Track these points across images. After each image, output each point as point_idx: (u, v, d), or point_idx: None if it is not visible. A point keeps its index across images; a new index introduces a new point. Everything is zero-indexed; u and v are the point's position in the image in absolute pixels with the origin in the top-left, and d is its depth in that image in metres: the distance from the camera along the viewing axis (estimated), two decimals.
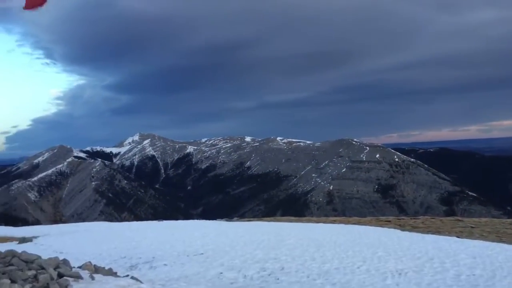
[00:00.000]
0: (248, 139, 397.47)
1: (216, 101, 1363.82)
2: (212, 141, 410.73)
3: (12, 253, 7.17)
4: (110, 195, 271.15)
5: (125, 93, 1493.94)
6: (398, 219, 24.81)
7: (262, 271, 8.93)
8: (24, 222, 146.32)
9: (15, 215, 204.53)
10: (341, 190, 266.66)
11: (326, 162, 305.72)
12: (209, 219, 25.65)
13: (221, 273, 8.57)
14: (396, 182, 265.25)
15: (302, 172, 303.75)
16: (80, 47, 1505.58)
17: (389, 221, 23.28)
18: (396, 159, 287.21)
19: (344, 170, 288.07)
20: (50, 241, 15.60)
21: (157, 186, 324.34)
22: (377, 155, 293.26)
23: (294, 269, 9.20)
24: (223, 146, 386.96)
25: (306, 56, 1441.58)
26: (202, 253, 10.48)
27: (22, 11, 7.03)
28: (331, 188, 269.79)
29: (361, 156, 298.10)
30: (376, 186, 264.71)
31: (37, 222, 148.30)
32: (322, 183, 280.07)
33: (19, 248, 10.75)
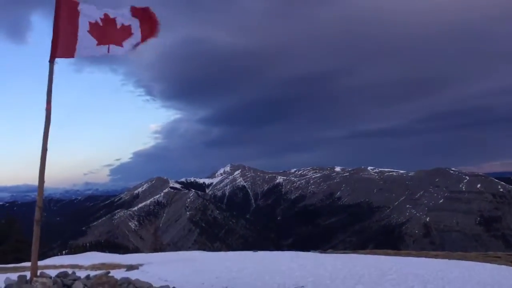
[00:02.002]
0: (338, 169, 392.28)
1: (305, 131, 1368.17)
2: (302, 171, 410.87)
3: (128, 281, 7.56)
4: (204, 224, 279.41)
5: (217, 125, 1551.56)
6: (508, 255, 22.70)
7: None
8: (125, 250, 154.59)
9: (117, 242, 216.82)
10: (439, 222, 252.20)
11: (421, 192, 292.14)
12: (300, 250, 25.30)
13: None
14: (501, 214, 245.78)
15: (396, 203, 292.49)
16: (176, 83, 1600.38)
17: (499, 257, 21.39)
18: (501, 189, 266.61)
19: (441, 201, 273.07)
20: (154, 269, 16.29)
21: (247, 216, 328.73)
22: (479, 185, 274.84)
23: None
24: (313, 176, 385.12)
25: (399, 83, 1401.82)
26: (302, 286, 10.34)
27: (132, 51, 7.65)
28: (427, 220, 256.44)
29: (460, 186, 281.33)
30: (478, 218, 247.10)
31: (137, 250, 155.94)
32: (417, 214, 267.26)
33: (127, 275, 11.35)
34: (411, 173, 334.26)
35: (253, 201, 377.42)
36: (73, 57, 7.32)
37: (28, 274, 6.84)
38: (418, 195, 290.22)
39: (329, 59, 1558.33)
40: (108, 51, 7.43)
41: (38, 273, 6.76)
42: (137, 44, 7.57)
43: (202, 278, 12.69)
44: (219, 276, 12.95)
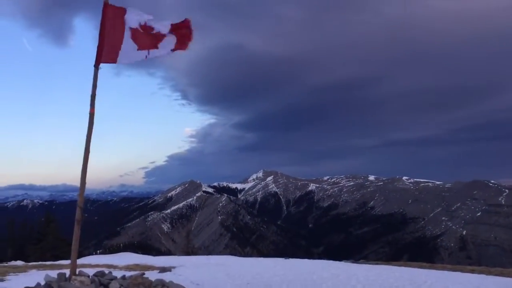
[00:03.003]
0: (371, 178, 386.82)
1: (339, 139, 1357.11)
2: (335, 179, 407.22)
3: (162, 282, 7.68)
4: (235, 229, 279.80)
5: (251, 131, 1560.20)
6: None
7: None
8: (158, 252, 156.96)
9: (150, 244, 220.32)
10: (476, 236, 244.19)
11: (458, 204, 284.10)
12: (331, 258, 25.02)
13: None
14: None
15: (431, 215, 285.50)
16: (212, 88, 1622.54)
17: None
18: None
19: (479, 214, 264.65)
20: (186, 272, 16.44)
21: (279, 222, 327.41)
22: None
23: None
24: (346, 185, 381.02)
25: (437, 91, 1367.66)
26: None
27: (169, 55, 7.89)
28: (464, 233, 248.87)
29: (499, 199, 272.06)
30: None
31: (169, 252, 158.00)
32: (453, 227, 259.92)
33: (160, 277, 11.52)
34: (448, 185, 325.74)
35: (285, 207, 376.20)
36: (115, 62, 7.58)
37: (66, 272, 7.05)
38: (455, 207, 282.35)
39: (364, 66, 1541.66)
40: (147, 57, 7.69)
41: (77, 272, 6.97)
42: (171, 50, 7.78)
43: (234, 283, 12.72)
44: (250, 282, 12.96)
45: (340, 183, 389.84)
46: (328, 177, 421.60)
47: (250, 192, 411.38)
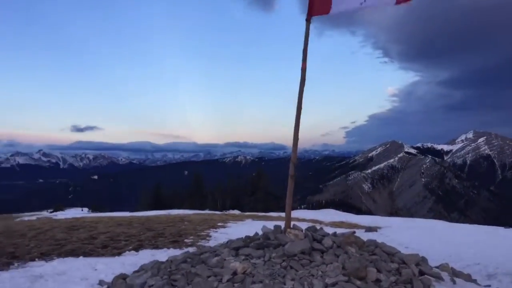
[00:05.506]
0: None
1: None
2: None
3: (375, 244, 7.43)
4: (440, 193, 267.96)
5: (460, 88, 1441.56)
6: None
7: None
8: (358, 211, 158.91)
9: (351, 203, 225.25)
10: None
11: None
12: None
13: None
14: None
15: None
16: (415, 44, 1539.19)
17: None
18: None
19: None
20: (392, 233, 15.92)
21: (491, 188, 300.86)
22: None
23: None
24: None
25: None
26: None
27: (389, 5, 6.95)
28: None
29: None
30: None
31: (369, 212, 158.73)
32: None
33: (366, 236, 11.23)
34: None
35: (499, 172, 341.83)
36: (328, 13, 7.19)
37: (281, 224, 7.30)
38: None
39: None
40: (362, 4, 6.97)
41: (291, 225, 7.16)
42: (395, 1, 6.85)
43: (448, 250, 11.70)
44: (468, 250, 11.76)
45: None
46: None
47: (458, 154, 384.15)
